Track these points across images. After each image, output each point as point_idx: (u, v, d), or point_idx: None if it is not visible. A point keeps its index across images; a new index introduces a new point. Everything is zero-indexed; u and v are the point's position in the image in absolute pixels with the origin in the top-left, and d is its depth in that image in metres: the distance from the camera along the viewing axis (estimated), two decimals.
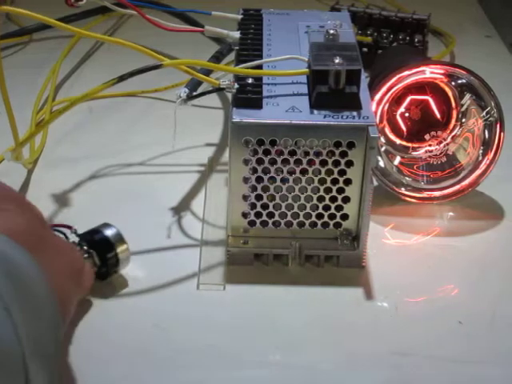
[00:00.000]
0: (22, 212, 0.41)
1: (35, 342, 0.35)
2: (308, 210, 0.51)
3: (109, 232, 0.49)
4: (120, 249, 0.49)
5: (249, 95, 0.50)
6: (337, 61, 0.50)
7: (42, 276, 0.37)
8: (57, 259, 0.41)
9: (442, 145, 0.60)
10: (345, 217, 0.52)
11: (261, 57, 0.55)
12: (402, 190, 0.59)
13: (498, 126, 0.58)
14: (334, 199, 0.51)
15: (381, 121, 0.59)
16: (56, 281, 0.39)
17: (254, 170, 0.50)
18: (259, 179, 0.51)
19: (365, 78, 0.53)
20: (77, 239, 0.49)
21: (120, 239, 0.49)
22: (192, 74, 0.51)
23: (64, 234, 0.49)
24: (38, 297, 0.37)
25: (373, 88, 0.57)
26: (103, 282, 0.50)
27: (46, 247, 0.40)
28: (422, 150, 0.60)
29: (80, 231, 0.49)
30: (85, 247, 0.48)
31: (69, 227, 0.49)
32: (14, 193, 0.44)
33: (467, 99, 0.59)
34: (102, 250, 0.49)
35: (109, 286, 0.50)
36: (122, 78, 0.50)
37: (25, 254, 0.37)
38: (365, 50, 0.78)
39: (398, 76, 0.57)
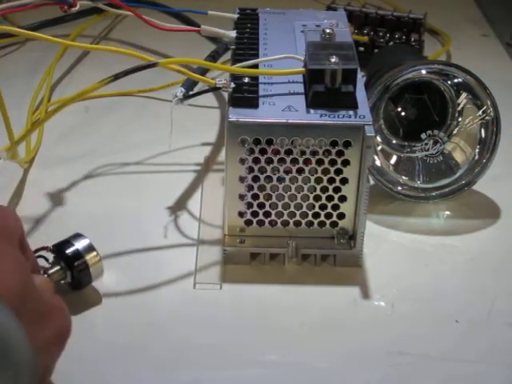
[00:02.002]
0: (19, 271, 0.38)
1: None
2: (304, 209, 0.51)
3: (78, 244, 0.49)
4: (89, 258, 0.49)
5: (245, 94, 0.50)
6: (333, 60, 0.50)
7: (26, 343, 0.35)
8: (43, 320, 0.38)
9: (438, 144, 0.60)
10: (341, 216, 0.52)
11: (257, 56, 0.55)
12: (399, 189, 0.59)
13: (495, 125, 0.58)
14: (330, 198, 0.51)
15: (377, 120, 0.59)
16: (40, 342, 0.38)
17: (251, 170, 0.50)
18: (256, 178, 0.51)
19: (361, 77, 0.53)
20: (52, 257, 0.49)
21: (89, 249, 0.49)
22: (187, 73, 0.51)
23: (45, 258, 0.49)
24: (20, 363, 0.35)
25: (369, 87, 0.57)
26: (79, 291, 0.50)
27: (33, 308, 0.37)
28: (419, 149, 0.60)
29: (79, 231, 0.50)
30: (61, 265, 0.48)
31: (45, 248, 0.49)
32: (16, 230, 0.41)
33: (463, 98, 0.59)
34: (73, 263, 0.48)
35: (105, 286, 0.50)
36: (117, 77, 0.50)
37: (11, 318, 0.35)
38: (361, 49, 0.78)
39: (394, 75, 0.57)
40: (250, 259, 0.53)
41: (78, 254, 0.48)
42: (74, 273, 0.48)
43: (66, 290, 0.49)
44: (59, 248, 0.48)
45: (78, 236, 0.49)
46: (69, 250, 0.48)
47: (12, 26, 0.51)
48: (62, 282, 0.48)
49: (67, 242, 0.48)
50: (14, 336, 0.35)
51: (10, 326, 0.35)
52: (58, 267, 0.48)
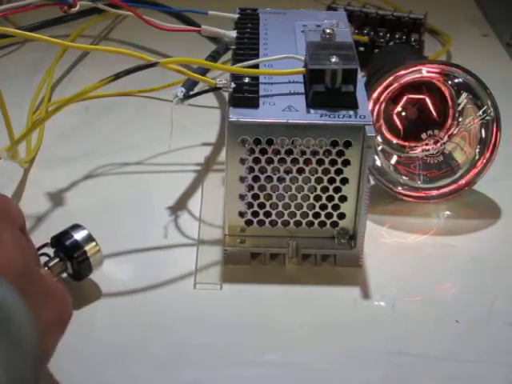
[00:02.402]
0: (21, 250, 0.39)
1: (14, 374, 0.34)
2: (305, 209, 0.51)
3: (76, 234, 0.49)
4: (89, 248, 0.49)
5: (245, 94, 0.50)
6: (333, 60, 0.50)
7: (30, 318, 0.36)
8: (45, 302, 0.39)
9: (438, 144, 0.60)
10: (342, 216, 0.52)
11: (257, 56, 0.55)
12: (399, 189, 0.59)
13: (495, 124, 0.58)
14: (330, 198, 0.51)
15: (377, 120, 0.59)
16: (41, 323, 0.38)
17: (251, 170, 0.50)
18: (256, 178, 0.51)
19: (361, 77, 0.53)
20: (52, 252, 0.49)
21: (88, 239, 0.49)
22: (187, 73, 0.51)
23: (47, 255, 0.48)
24: (22, 334, 0.35)
25: (369, 87, 0.57)
26: (80, 282, 0.50)
27: (36, 288, 0.38)
28: (419, 149, 0.61)
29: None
30: (61, 257, 0.48)
31: (45, 244, 0.49)
32: (17, 217, 0.42)
33: (464, 98, 0.59)
34: (72, 254, 0.48)
35: (105, 286, 0.50)
36: (117, 76, 0.50)
37: (13, 293, 0.36)
38: (361, 49, 0.78)
39: (394, 75, 0.57)
40: (250, 259, 0.53)
41: (78, 245, 0.48)
42: (74, 264, 0.48)
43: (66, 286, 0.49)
44: (58, 240, 0.48)
45: (76, 227, 0.49)
46: (68, 242, 0.48)
47: (11, 27, 0.51)
48: (64, 274, 0.48)
49: (66, 234, 0.49)
50: (16, 311, 0.35)
51: (13, 301, 0.35)
52: (57, 259, 0.48)
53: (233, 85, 0.51)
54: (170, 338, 0.47)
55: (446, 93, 0.60)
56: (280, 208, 0.51)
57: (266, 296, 0.51)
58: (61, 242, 0.48)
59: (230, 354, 0.46)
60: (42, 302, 0.38)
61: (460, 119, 0.60)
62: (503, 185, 0.62)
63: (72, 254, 0.48)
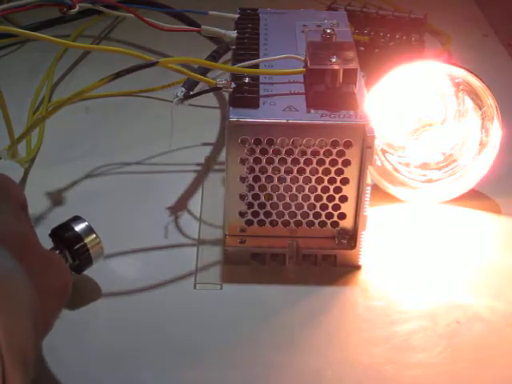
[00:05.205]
0: (18, 219, 0.40)
1: (12, 337, 0.34)
2: (305, 209, 0.51)
3: (77, 226, 0.49)
4: (89, 240, 0.49)
5: (245, 94, 0.50)
6: (333, 60, 0.50)
7: (27, 282, 0.36)
8: (44, 271, 0.39)
9: (438, 144, 0.60)
10: (342, 216, 0.52)
11: (257, 56, 0.55)
12: (399, 189, 0.59)
13: (495, 124, 0.58)
14: (331, 198, 0.51)
15: (377, 120, 0.59)
16: (41, 292, 0.38)
17: (251, 170, 0.50)
18: (256, 178, 0.51)
19: (361, 77, 0.53)
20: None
21: (89, 231, 0.49)
22: (187, 73, 0.51)
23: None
24: (20, 295, 0.36)
25: (369, 87, 0.57)
26: (82, 275, 0.50)
27: (35, 257, 0.39)
28: (419, 149, 0.61)
29: None
30: (61, 249, 0.48)
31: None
32: (18, 196, 0.43)
33: (464, 98, 0.59)
34: (72, 245, 0.48)
35: (104, 285, 0.50)
36: (117, 75, 0.50)
37: (10, 259, 0.36)
38: (361, 49, 0.78)
39: (394, 75, 0.57)
40: (250, 259, 0.53)
41: (78, 237, 0.48)
42: (74, 256, 0.48)
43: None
44: (58, 232, 0.48)
45: (76, 219, 0.49)
46: (68, 234, 0.48)
47: (12, 27, 0.51)
48: None
49: (66, 225, 0.49)
50: (14, 277, 0.35)
51: (10, 267, 0.36)
52: (57, 251, 0.48)
53: (233, 85, 0.51)
54: (169, 338, 0.47)
55: (446, 93, 0.60)
56: (280, 208, 0.51)
57: (266, 296, 0.51)
58: (60, 234, 0.48)
59: (230, 353, 0.46)
60: (41, 270, 0.38)
61: (460, 119, 0.60)
62: (504, 185, 0.62)
63: (72, 247, 0.48)
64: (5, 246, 0.36)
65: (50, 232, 0.49)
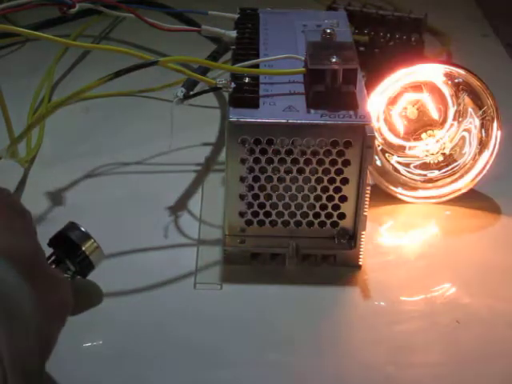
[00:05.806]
0: (28, 236, 0.40)
1: (18, 358, 0.35)
2: (305, 209, 0.51)
3: (73, 234, 0.48)
4: (87, 247, 0.48)
5: (245, 94, 0.50)
6: (333, 60, 0.50)
7: (31, 301, 0.37)
8: (48, 290, 0.39)
9: (438, 144, 0.60)
10: (342, 216, 0.52)
11: (257, 56, 0.55)
12: (399, 189, 0.59)
13: (495, 125, 0.58)
14: (331, 198, 0.51)
15: (377, 120, 0.59)
16: (43, 311, 0.38)
17: (251, 170, 0.50)
18: (256, 178, 0.50)
19: (361, 77, 0.53)
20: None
21: (85, 237, 0.48)
22: (187, 73, 0.51)
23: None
24: (25, 315, 0.36)
25: (369, 87, 0.57)
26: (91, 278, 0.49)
27: (40, 276, 0.39)
28: (419, 149, 0.61)
29: None
30: (61, 259, 0.48)
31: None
32: (24, 213, 0.42)
33: (464, 98, 0.59)
34: (71, 255, 0.48)
35: (104, 286, 0.50)
36: (117, 74, 0.50)
37: (17, 277, 0.36)
38: (361, 49, 0.78)
39: (394, 75, 0.57)
40: (250, 259, 0.53)
41: (76, 246, 0.48)
42: (75, 264, 0.48)
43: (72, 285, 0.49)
44: (56, 242, 0.48)
45: (71, 227, 0.48)
46: (65, 244, 0.48)
47: (13, 26, 0.51)
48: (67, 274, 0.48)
49: (62, 235, 0.48)
50: (18, 296, 0.36)
51: (15, 285, 0.36)
52: (57, 261, 0.47)
53: (233, 85, 0.51)
54: (170, 337, 0.47)
55: (447, 93, 0.60)
56: (280, 208, 0.51)
57: (265, 296, 0.51)
58: (58, 244, 0.48)
59: (230, 353, 0.46)
60: (47, 289, 0.39)
61: (460, 119, 0.60)
62: (503, 185, 0.62)
63: (72, 256, 0.48)
64: (13, 263, 0.36)
65: (48, 241, 0.48)
